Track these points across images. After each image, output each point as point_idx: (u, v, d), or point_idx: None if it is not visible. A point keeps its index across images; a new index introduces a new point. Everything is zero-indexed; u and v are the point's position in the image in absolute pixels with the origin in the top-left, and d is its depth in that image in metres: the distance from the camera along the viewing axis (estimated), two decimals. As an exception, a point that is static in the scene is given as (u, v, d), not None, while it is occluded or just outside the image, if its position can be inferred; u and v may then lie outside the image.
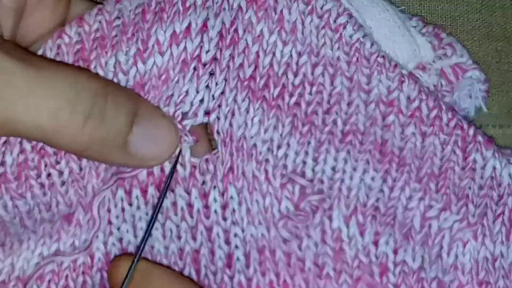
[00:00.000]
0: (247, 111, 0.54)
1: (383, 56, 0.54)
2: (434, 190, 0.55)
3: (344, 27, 0.54)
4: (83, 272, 0.55)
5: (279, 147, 0.54)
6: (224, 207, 0.54)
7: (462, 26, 0.61)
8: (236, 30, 0.54)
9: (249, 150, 0.54)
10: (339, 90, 0.54)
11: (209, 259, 0.55)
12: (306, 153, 0.54)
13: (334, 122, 0.54)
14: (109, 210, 0.54)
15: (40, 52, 0.53)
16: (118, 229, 0.55)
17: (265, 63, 0.54)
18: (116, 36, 0.53)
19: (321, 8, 0.54)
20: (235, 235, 0.54)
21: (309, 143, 0.54)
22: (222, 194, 0.54)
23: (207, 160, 0.54)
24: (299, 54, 0.54)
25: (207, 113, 0.54)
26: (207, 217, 0.54)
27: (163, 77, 0.53)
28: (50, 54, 0.53)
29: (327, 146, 0.54)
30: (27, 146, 0.53)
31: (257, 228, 0.54)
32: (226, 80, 0.54)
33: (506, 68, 0.61)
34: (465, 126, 0.55)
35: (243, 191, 0.54)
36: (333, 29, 0.54)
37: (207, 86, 0.53)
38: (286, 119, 0.54)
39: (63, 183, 0.54)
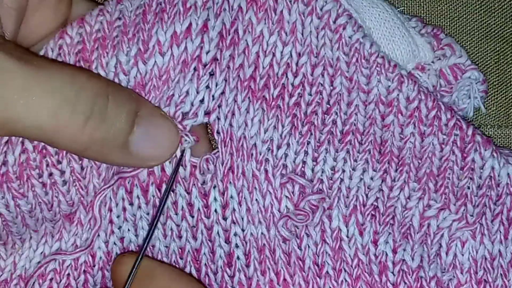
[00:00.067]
0: (247, 111, 0.54)
1: (382, 57, 0.54)
2: (433, 190, 0.55)
3: (344, 28, 0.54)
4: (84, 271, 0.55)
5: (279, 147, 0.54)
6: (224, 206, 0.54)
7: (461, 27, 0.61)
8: (236, 31, 0.54)
9: (249, 150, 0.54)
10: (339, 90, 0.54)
11: (210, 258, 0.55)
12: (306, 153, 0.54)
13: (334, 122, 0.54)
14: (110, 210, 0.55)
15: (41, 53, 0.53)
16: (119, 228, 0.55)
17: (265, 63, 0.54)
18: (117, 36, 0.53)
19: (321, 9, 0.54)
20: (235, 234, 0.54)
21: (308, 143, 0.54)
22: (222, 194, 0.54)
23: (207, 160, 0.54)
24: (299, 55, 0.54)
25: (208, 113, 0.54)
26: (207, 217, 0.55)
27: (164, 77, 0.53)
28: (51, 55, 0.53)
29: (326, 146, 0.54)
30: (28, 145, 0.53)
31: (257, 227, 0.54)
32: (226, 81, 0.54)
33: (504, 68, 0.61)
34: (464, 126, 0.55)
35: (243, 190, 0.54)
36: (333, 30, 0.54)
37: (207, 87, 0.53)
38: (286, 119, 0.54)
39: (64, 183, 0.54)
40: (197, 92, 0.53)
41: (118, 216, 0.55)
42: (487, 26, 0.61)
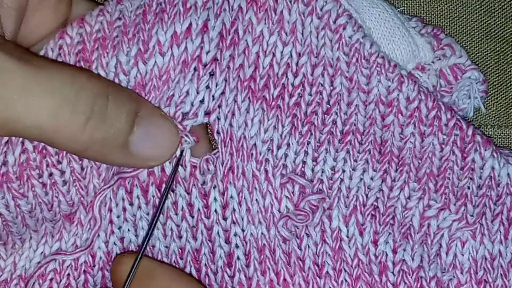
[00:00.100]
0: (247, 111, 0.54)
1: (382, 57, 0.54)
2: (433, 190, 0.55)
3: (344, 28, 0.54)
4: (84, 271, 0.55)
5: (279, 147, 0.54)
6: (224, 206, 0.54)
7: (461, 27, 0.61)
8: (236, 31, 0.54)
9: (249, 150, 0.54)
10: (339, 90, 0.54)
11: (210, 258, 0.55)
12: (306, 153, 0.54)
13: (334, 122, 0.54)
14: (110, 210, 0.55)
15: (41, 53, 0.53)
16: (119, 228, 0.55)
17: (265, 63, 0.54)
18: (117, 36, 0.53)
19: (321, 9, 0.54)
20: (235, 234, 0.54)
21: (308, 143, 0.54)
22: (222, 194, 0.54)
23: (207, 160, 0.54)
24: (299, 55, 0.54)
25: (208, 113, 0.54)
26: (208, 217, 0.55)
27: (164, 77, 0.53)
28: (51, 55, 0.53)
29: (326, 146, 0.54)
30: (29, 145, 0.53)
31: (257, 227, 0.54)
32: (226, 81, 0.54)
33: (504, 68, 0.61)
34: (464, 126, 0.55)
35: (243, 190, 0.54)
36: (333, 30, 0.54)
37: (207, 87, 0.53)
38: (286, 119, 0.54)
39: (64, 183, 0.54)
40: (197, 92, 0.53)
41: (118, 216, 0.55)
42: (487, 26, 0.61)
